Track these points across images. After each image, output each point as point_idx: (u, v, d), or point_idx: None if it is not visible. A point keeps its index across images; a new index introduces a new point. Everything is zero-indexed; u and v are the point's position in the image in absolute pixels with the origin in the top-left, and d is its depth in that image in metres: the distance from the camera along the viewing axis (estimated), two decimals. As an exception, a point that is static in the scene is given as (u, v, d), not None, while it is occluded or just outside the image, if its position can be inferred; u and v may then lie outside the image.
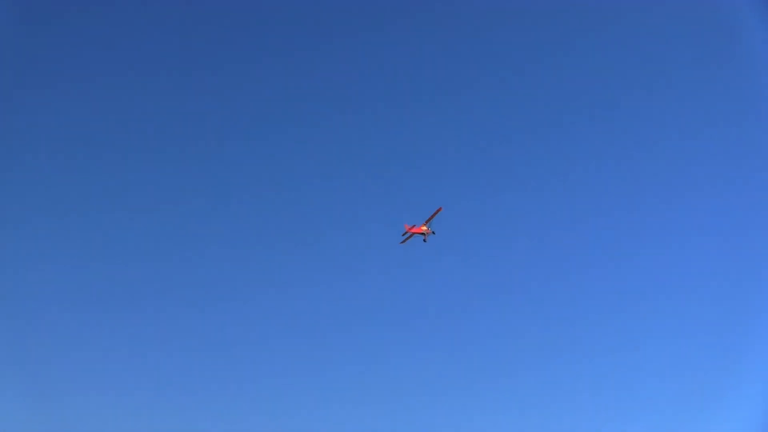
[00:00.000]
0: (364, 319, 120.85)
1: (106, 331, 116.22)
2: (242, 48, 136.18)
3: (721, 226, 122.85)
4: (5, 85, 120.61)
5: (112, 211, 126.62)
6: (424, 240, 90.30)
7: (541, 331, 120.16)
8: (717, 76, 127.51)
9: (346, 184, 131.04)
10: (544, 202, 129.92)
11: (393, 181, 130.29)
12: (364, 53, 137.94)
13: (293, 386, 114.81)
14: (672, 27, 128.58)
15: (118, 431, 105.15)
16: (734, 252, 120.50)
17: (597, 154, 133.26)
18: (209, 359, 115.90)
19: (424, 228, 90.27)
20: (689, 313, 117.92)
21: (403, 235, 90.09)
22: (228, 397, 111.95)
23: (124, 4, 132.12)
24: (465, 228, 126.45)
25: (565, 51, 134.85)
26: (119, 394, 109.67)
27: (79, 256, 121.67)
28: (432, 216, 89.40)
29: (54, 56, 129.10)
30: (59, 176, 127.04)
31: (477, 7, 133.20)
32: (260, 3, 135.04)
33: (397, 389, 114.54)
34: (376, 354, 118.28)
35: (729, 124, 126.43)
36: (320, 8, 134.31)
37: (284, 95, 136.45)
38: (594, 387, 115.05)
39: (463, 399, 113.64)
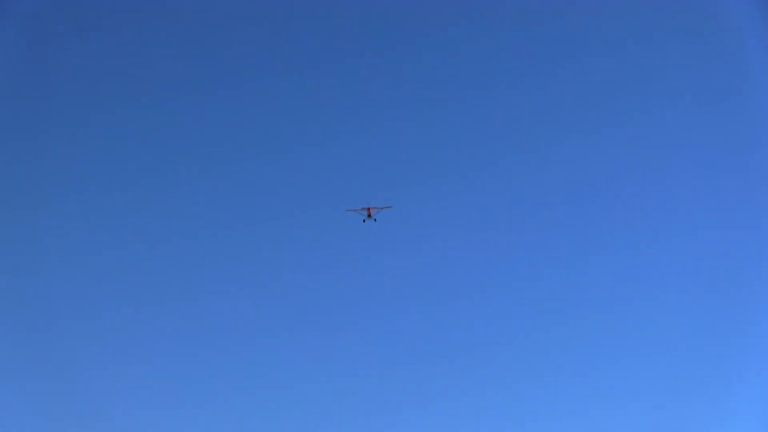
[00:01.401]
0: (355, 322, 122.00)
1: (106, 330, 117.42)
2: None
3: (722, 227, 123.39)
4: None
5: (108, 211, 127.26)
6: (364, 220, 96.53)
7: (536, 333, 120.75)
8: (716, 75, 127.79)
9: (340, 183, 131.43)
10: (546, 202, 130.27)
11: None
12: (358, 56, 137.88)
13: (286, 386, 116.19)
14: (671, 26, 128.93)
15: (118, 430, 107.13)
16: (735, 253, 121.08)
17: (594, 154, 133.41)
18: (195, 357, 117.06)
19: (372, 211, 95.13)
20: (692, 315, 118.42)
21: (361, 210, 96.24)
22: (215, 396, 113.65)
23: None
24: (464, 229, 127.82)
25: (560, 50, 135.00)
26: (118, 395, 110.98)
27: (76, 255, 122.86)
28: (382, 208, 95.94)
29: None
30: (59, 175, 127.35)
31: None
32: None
33: (392, 393, 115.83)
34: (372, 356, 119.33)
35: (729, 125, 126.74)
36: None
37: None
38: (592, 389, 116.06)
39: (457, 403, 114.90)
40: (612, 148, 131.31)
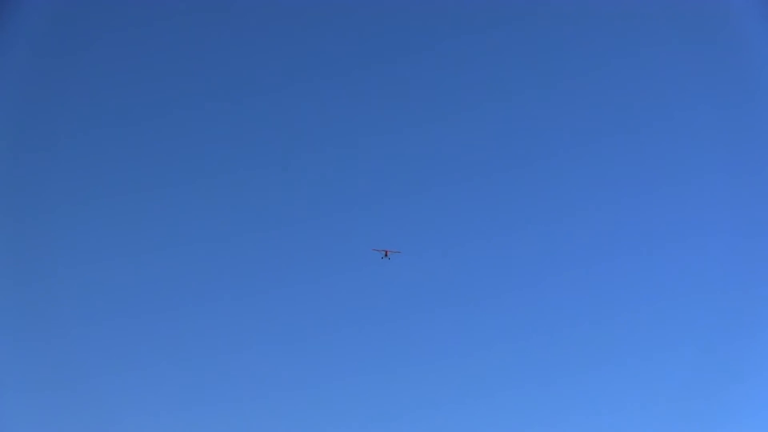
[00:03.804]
0: (361, 322, 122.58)
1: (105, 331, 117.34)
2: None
3: (724, 227, 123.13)
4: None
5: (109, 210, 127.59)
6: (382, 258, 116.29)
7: (538, 335, 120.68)
8: (717, 75, 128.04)
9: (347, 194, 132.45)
10: (547, 202, 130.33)
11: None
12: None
13: (289, 390, 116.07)
14: (670, 26, 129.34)
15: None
16: (736, 254, 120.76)
17: (595, 154, 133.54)
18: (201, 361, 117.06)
19: (389, 253, 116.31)
20: (695, 316, 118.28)
21: (381, 250, 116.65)
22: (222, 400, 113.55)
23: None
24: (468, 228, 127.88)
25: (558, 52, 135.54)
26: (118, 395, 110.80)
27: (82, 259, 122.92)
28: (395, 251, 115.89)
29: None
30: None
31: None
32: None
33: (397, 395, 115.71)
34: (374, 358, 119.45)
35: (729, 125, 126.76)
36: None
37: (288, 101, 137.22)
38: (595, 392, 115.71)
39: (461, 405, 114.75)
40: (616, 150, 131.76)
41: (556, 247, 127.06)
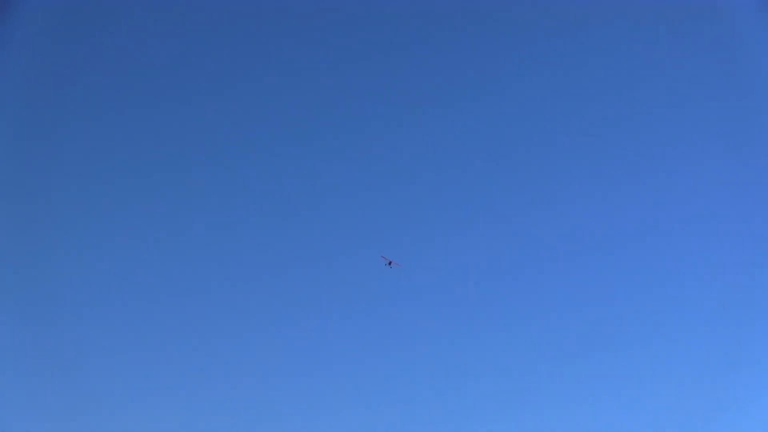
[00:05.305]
0: (358, 318, 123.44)
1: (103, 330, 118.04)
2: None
3: (723, 226, 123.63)
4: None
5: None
6: (385, 266, 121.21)
7: (537, 330, 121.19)
8: (717, 76, 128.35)
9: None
10: (547, 199, 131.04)
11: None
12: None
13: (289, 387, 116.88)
14: (671, 26, 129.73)
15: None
16: (736, 253, 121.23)
17: (596, 154, 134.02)
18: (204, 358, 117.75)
19: (392, 263, 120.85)
20: (695, 313, 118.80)
21: (387, 260, 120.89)
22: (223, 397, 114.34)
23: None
24: (467, 225, 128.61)
25: (557, 51, 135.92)
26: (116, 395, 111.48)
27: (81, 254, 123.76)
28: (397, 264, 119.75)
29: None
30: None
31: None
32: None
33: (394, 391, 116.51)
34: (372, 354, 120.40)
35: (729, 125, 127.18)
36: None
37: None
38: (594, 389, 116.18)
39: (458, 401, 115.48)
40: (616, 150, 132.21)
41: (557, 246, 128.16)
